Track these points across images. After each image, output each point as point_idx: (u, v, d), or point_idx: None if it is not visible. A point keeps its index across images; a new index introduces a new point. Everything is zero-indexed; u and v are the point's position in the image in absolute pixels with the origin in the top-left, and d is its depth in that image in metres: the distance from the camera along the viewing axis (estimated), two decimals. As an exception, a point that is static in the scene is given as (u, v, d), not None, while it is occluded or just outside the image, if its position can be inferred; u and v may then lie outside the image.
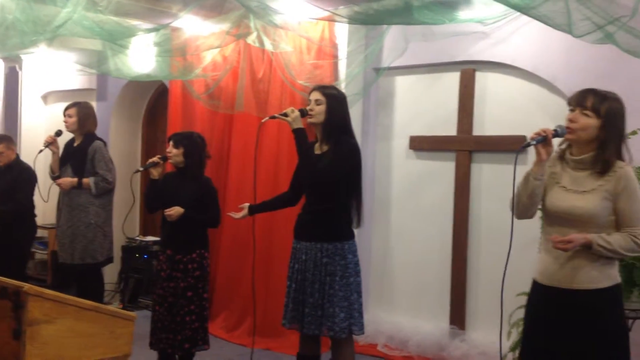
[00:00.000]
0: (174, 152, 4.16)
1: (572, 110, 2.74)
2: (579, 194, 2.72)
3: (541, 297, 2.82)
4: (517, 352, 4.05)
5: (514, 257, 4.77)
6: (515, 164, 2.72)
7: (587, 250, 2.66)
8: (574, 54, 4.36)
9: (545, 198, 2.80)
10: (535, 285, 2.87)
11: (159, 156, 4.27)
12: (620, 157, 2.72)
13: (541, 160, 2.70)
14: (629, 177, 2.68)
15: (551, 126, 4.59)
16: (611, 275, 2.74)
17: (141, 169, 4.40)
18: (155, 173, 4.22)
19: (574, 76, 4.35)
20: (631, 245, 2.66)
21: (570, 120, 2.70)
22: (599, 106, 2.68)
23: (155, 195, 4.23)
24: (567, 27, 3.47)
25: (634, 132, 3.80)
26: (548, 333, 2.77)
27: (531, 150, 4.64)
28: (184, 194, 4.12)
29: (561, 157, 2.82)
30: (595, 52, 4.16)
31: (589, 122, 2.67)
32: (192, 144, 4.18)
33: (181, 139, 4.19)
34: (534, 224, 4.18)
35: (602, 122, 2.67)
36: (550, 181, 2.79)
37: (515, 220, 4.82)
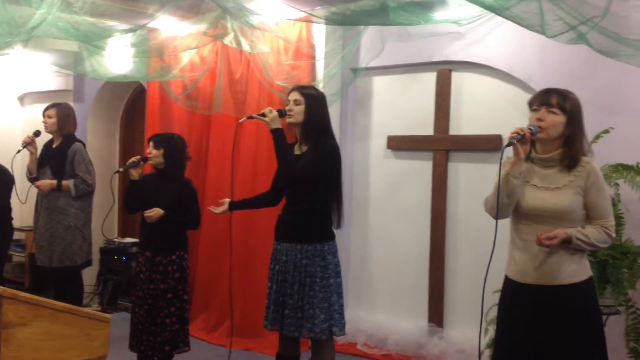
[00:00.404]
0: (154, 153, 4.15)
1: (536, 110, 2.79)
2: (551, 191, 2.78)
3: (518, 295, 2.85)
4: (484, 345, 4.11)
5: (489, 255, 4.84)
6: (500, 161, 2.74)
7: (566, 245, 2.72)
8: (548, 54, 4.41)
9: (519, 198, 2.83)
10: (511, 283, 2.89)
11: (139, 157, 4.25)
12: (584, 152, 2.81)
13: (520, 158, 2.74)
14: (597, 172, 2.78)
15: (526, 124, 4.67)
16: (586, 268, 2.83)
17: (121, 169, 4.38)
18: (135, 174, 4.19)
19: (549, 76, 4.41)
20: (604, 237, 2.77)
21: (539, 119, 2.76)
22: (564, 104, 2.77)
23: (135, 196, 4.21)
24: (540, 28, 3.51)
25: (606, 131, 3.87)
26: (526, 329, 2.79)
27: (506, 149, 4.72)
28: (163, 195, 4.10)
29: (526, 156, 2.85)
30: (569, 53, 4.22)
31: (557, 119, 2.75)
32: (172, 145, 4.17)
33: (161, 140, 4.17)
34: (508, 224, 4.24)
35: (568, 118, 2.76)
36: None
37: (492, 218, 4.88)
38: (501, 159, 2.75)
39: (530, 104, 2.84)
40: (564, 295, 2.76)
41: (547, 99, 2.78)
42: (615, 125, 3.95)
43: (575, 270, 2.77)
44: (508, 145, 2.71)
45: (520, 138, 2.70)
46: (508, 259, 2.94)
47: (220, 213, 3.93)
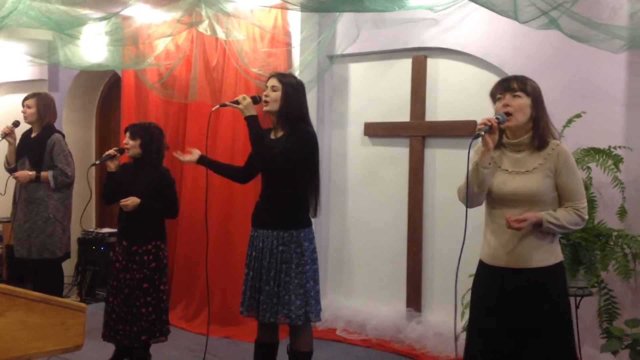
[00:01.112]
0: (130, 144, 4.13)
1: (500, 99, 2.83)
2: (521, 174, 2.81)
3: (490, 278, 2.90)
4: (460, 329, 4.16)
5: (466, 240, 4.89)
6: (469, 153, 2.76)
7: (537, 229, 2.76)
8: (521, 40, 4.45)
9: (490, 183, 2.86)
10: (484, 266, 2.94)
11: (115, 148, 4.23)
12: (552, 133, 2.85)
13: (488, 149, 2.77)
14: (567, 153, 2.81)
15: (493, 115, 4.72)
16: (557, 252, 2.87)
17: (97, 162, 4.36)
18: (112, 166, 4.18)
19: (522, 61, 4.45)
20: (576, 219, 2.79)
21: (506, 105, 2.79)
22: (525, 87, 2.82)
23: (112, 188, 4.19)
24: (512, 14, 3.54)
25: (578, 115, 3.91)
26: (499, 312, 2.84)
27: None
28: (141, 184, 4.10)
29: (498, 143, 2.88)
30: (542, 38, 4.26)
31: (522, 101, 2.79)
32: (149, 135, 4.15)
33: (138, 130, 4.15)
34: (484, 208, 4.28)
35: (531, 99, 2.80)
36: (492, 166, 2.86)
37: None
38: (469, 152, 2.76)
39: (493, 95, 2.88)
40: (535, 279, 2.80)
41: (509, 85, 2.83)
42: (587, 110, 4.01)
43: (545, 254, 2.81)
44: (476, 137, 2.73)
45: (487, 129, 2.73)
46: (482, 242, 2.98)
47: (186, 161, 3.91)
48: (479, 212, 4.25)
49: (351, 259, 5.53)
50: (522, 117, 2.80)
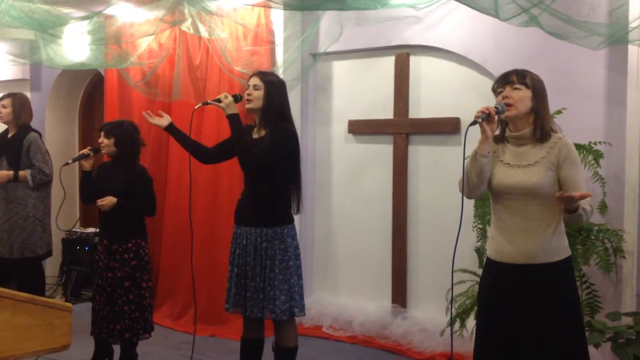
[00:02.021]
0: (105, 143, 4.14)
1: (500, 92, 2.83)
2: (523, 168, 2.80)
3: (498, 274, 2.87)
4: (455, 327, 4.20)
5: (450, 235, 4.94)
6: (464, 141, 2.76)
7: (541, 222, 2.73)
8: (502, 37, 4.49)
9: (490, 177, 2.86)
10: (492, 263, 2.91)
11: (89, 148, 4.25)
12: (553, 127, 2.85)
13: (487, 137, 2.76)
14: (570, 146, 2.80)
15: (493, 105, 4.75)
16: (564, 248, 2.85)
17: (70, 162, 4.35)
18: (86, 165, 4.18)
19: (503, 58, 4.49)
20: (591, 210, 2.75)
21: (505, 97, 2.79)
22: (524, 79, 2.81)
23: (88, 186, 4.20)
24: (493, 11, 3.57)
25: (559, 112, 3.96)
26: (507, 308, 2.82)
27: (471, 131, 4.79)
28: (116, 183, 4.10)
29: (501, 137, 2.90)
30: (523, 35, 4.30)
31: (522, 93, 2.78)
32: (123, 132, 4.15)
33: (112, 129, 4.15)
34: (469, 202, 4.33)
35: (532, 91, 2.80)
36: (493, 160, 2.86)
37: (453, 199, 4.97)
38: (465, 137, 2.75)
39: (494, 89, 2.88)
40: (541, 274, 2.78)
41: (508, 78, 2.82)
42: (568, 106, 4.05)
43: (551, 249, 2.79)
44: (473, 123, 2.73)
45: (485, 117, 2.73)
46: (488, 239, 2.97)
47: (154, 124, 3.88)
48: (465, 206, 4.27)
49: (337, 256, 5.56)
50: (522, 107, 2.78)
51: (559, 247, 2.82)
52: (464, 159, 2.83)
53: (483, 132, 2.76)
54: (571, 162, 2.78)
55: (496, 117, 2.77)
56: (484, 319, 2.94)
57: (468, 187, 2.85)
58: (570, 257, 2.88)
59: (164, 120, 3.86)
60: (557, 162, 2.78)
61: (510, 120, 2.85)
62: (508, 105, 2.78)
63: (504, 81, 2.84)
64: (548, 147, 2.80)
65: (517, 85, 2.80)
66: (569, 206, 2.65)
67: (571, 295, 2.86)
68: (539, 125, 2.81)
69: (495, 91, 2.88)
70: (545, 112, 2.83)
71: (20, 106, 5.18)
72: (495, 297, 2.88)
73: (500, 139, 2.90)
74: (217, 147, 3.91)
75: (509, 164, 2.84)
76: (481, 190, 2.89)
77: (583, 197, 2.61)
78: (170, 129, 3.86)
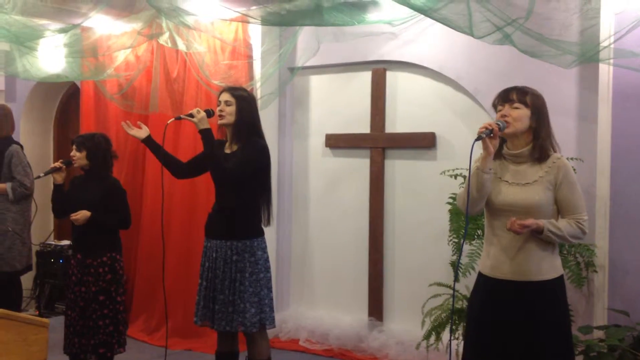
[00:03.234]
0: (77, 156, 4.11)
1: (500, 110, 2.85)
2: (522, 186, 2.83)
3: (492, 290, 2.88)
4: (431, 340, 4.24)
5: (426, 249, 5.01)
6: (470, 157, 2.76)
7: (538, 239, 2.76)
8: (477, 54, 4.57)
9: (489, 194, 2.87)
10: (483, 278, 2.92)
11: (61, 160, 4.21)
12: (553, 147, 2.87)
13: (489, 153, 2.77)
14: (568, 167, 2.83)
15: (458, 123, 4.83)
16: (558, 266, 2.87)
17: (42, 175, 4.32)
18: (58, 178, 4.16)
19: (477, 75, 4.57)
20: (576, 232, 2.79)
21: (504, 115, 2.81)
22: (524, 97, 2.83)
23: (60, 200, 4.18)
24: (468, 29, 3.64)
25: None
26: (499, 325, 2.82)
27: (440, 147, 4.84)
28: (89, 196, 4.07)
29: (498, 154, 2.91)
30: (497, 53, 4.38)
31: (521, 112, 2.80)
32: (94, 145, 4.13)
33: (83, 141, 4.14)
34: (445, 216, 4.38)
35: (531, 111, 2.82)
36: (492, 177, 2.87)
37: (428, 212, 5.00)
38: (471, 154, 2.75)
39: (494, 106, 2.90)
40: (536, 292, 2.79)
41: (508, 96, 2.84)
42: (541, 122, 4.12)
43: (547, 267, 2.81)
44: (478, 139, 2.74)
45: (488, 133, 2.74)
46: (482, 255, 2.98)
47: (132, 135, 3.85)
48: (440, 219, 4.31)
49: (313, 270, 5.57)
50: (519, 126, 2.80)
51: (553, 266, 2.84)
52: (469, 174, 2.82)
53: (485, 147, 2.77)
54: (568, 184, 2.81)
55: (498, 133, 2.79)
56: (474, 335, 2.93)
57: (469, 203, 2.83)
58: (563, 276, 2.90)
59: (142, 132, 3.85)
60: (556, 182, 2.81)
61: (508, 137, 2.87)
62: (506, 122, 2.80)
63: (504, 99, 2.86)
64: (547, 167, 2.82)
65: (516, 105, 2.82)
66: (533, 232, 2.73)
67: (563, 313, 2.88)
68: (538, 144, 2.83)
69: (495, 107, 2.90)
70: (545, 132, 2.84)
71: (2, 117, 5.13)
72: (487, 313, 2.88)
73: (498, 156, 2.91)
74: (191, 162, 3.93)
75: (507, 181, 2.86)
76: (480, 207, 2.89)
77: (518, 227, 2.69)
78: (148, 141, 3.85)
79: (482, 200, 2.85)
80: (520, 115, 2.80)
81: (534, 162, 2.84)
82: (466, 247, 4.04)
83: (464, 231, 4.26)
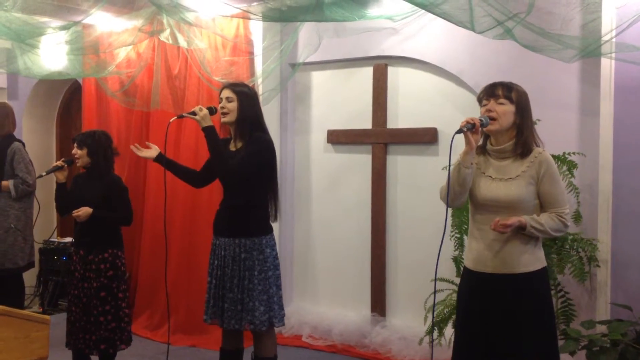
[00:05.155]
0: (78, 154, 4.12)
1: (485, 105, 2.87)
2: (504, 181, 2.85)
3: (475, 284, 2.92)
4: (434, 335, 4.24)
5: (428, 244, 5.02)
6: (450, 149, 2.78)
7: (520, 233, 2.79)
8: (478, 49, 4.55)
9: (473, 188, 2.91)
10: (468, 272, 2.96)
11: (63, 159, 4.23)
12: (536, 142, 2.90)
13: (471, 148, 2.80)
14: (549, 161, 2.86)
15: (460, 118, 4.79)
16: (541, 258, 2.90)
17: (44, 174, 4.33)
18: (60, 177, 4.17)
19: (479, 70, 4.56)
20: (558, 225, 2.83)
21: (489, 110, 2.84)
22: (509, 94, 2.86)
23: (63, 198, 4.19)
24: (469, 24, 3.63)
25: (533, 123, 4.01)
26: (482, 317, 2.87)
27: (442, 142, 4.83)
28: (91, 193, 4.08)
29: (482, 149, 2.95)
30: (498, 47, 4.37)
31: (506, 108, 2.83)
32: (95, 142, 4.13)
33: (84, 139, 4.14)
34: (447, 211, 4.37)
35: (516, 107, 2.84)
36: (476, 172, 2.91)
37: (431, 208, 5.00)
38: (451, 145, 2.78)
39: (480, 100, 2.92)
40: (518, 284, 2.83)
41: (493, 91, 2.86)
42: (542, 117, 4.11)
43: (529, 259, 2.84)
44: (458, 132, 2.76)
45: (470, 127, 2.76)
46: (466, 249, 3.02)
47: (143, 156, 3.85)
48: (443, 215, 4.29)
49: (316, 265, 5.58)
50: (505, 122, 2.83)
51: (535, 258, 2.87)
52: (449, 166, 2.86)
53: (468, 142, 2.80)
54: (550, 178, 2.84)
55: (480, 128, 2.81)
56: (461, 328, 2.98)
57: (450, 196, 2.88)
58: (546, 267, 2.94)
59: (153, 151, 3.83)
60: (537, 176, 2.83)
61: (492, 133, 2.90)
62: (491, 119, 2.83)
63: (490, 94, 2.87)
64: (528, 162, 2.85)
65: (501, 100, 2.84)
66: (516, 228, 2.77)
67: (546, 305, 2.91)
68: (521, 140, 2.86)
69: (480, 101, 2.92)
70: (528, 128, 2.87)
71: (4, 116, 5.14)
72: (472, 306, 2.92)
73: (482, 151, 2.95)
74: (204, 168, 3.90)
75: (490, 176, 2.89)
76: (463, 200, 2.93)
77: (500, 227, 2.73)
78: (160, 159, 3.83)
79: (463, 194, 2.89)
80: (505, 111, 2.83)
81: (517, 157, 2.87)
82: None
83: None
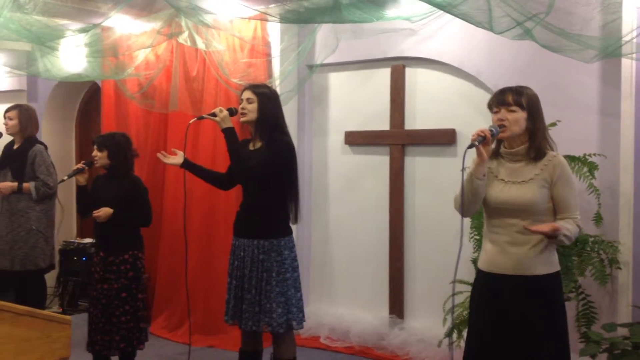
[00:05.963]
0: (98, 156, 4.16)
1: (496, 112, 2.87)
2: (517, 184, 2.85)
3: (489, 285, 2.92)
4: (453, 337, 4.21)
5: (447, 246, 4.99)
6: (463, 163, 2.80)
7: (535, 236, 2.78)
8: (496, 49, 4.53)
9: (486, 192, 2.90)
10: (482, 274, 2.96)
11: (83, 162, 4.27)
12: (549, 145, 2.89)
13: (482, 160, 2.80)
14: (564, 165, 2.84)
15: (478, 119, 4.79)
16: (555, 262, 2.89)
17: (65, 178, 4.37)
18: (81, 179, 4.21)
19: (497, 70, 4.54)
20: (577, 231, 2.83)
21: (501, 119, 2.83)
22: (520, 99, 2.84)
23: (85, 201, 4.23)
24: (488, 25, 3.61)
25: (553, 124, 3.99)
26: (494, 319, 2.86)
27: (460, 143, 4.81)
28: (111, 194, 4.12)
29: (496, 153, 2.94)
30: (517, 48, 4.34)
31: (517, 116, 2.82)
32: (115, 144, 4.17)
33: (104, 141, 4.18)
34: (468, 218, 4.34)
35: (527, 112, 2.83)
36: (489, 176, 2.90)
37: (449, 210, 4.97)
38: (463, 161, 2.80)
39: (490, 107, 2.91)
40: (532, 287, 2.82)
41: (504, 99, 2.85)
42: (562, 118, 4.09)
43: (544, 263, 2.83)
44: (470, 147, 2.76)
45: (481, 140, 2.77)
46: (481, 251, 3.01)
47: (169, 164, 3.88)
48: (462, 219, 4.24)
49: (334, 267, 5.57)
50: (516, 129, 2.83)
51: (549, 261, 2.86)
52: (462, 178, 2.85)
53: (479, 154, 2.81)
54: (564, 181, 2.83)
55: (491, 139, 2.81)
56: (474, 329, 2.99)
57: (464, 206, 2.88)
58: (559, 272, 2.92)
59: (179, 158, 3.86)
60: (551, 180, 2.83)
61: (504, 139, 2.89)
62: (502, 126, 2.82)
63: (500, 101, 2.86)
64: (542, 165, 2.84)
65: (512, 107, 2.83)
66: (547, 235, 2.74)
67: (559, 308, 2.90)
68: (534, 145, 2.85)
69: (490, 108, 2.91)
70: (540, 132, 2.87)
71: (27, 118, 5.19)
72: (485, 307, 2.92)
73: (495, 155, 2.94)
74: (229, 170, 3.91)
75: (503, 180, 2.89)
76: (477, 208, 2.94)
77: (549, 232, 2.69)
78: (186, 165, 3.86)
79: (477, 203, 2.90)
80: (517, 118, 2.83)
81: (530, 160, 2.87)
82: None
83: (466, 228, 4.25)
